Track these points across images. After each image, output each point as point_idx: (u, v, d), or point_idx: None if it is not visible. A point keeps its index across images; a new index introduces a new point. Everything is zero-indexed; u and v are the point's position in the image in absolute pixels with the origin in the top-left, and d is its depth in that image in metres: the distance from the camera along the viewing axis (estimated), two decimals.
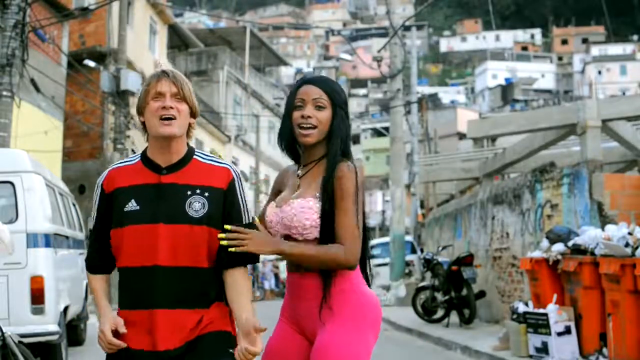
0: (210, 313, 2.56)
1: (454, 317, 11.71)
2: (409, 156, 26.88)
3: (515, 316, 8.21)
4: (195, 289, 2.53)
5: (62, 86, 18.42)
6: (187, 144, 2.68)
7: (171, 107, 2.56)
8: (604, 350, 7.06)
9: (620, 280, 6.57)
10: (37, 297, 6.59)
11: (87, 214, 15.85)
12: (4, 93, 10.81)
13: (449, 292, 11.42)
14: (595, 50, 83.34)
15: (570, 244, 7.61)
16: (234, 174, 2.64)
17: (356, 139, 55.58)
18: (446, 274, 11.51)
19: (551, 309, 7.53)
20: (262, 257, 2.70)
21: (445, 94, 75.67)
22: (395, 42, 17.33)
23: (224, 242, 2.52)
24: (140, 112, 2.64)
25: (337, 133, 2.68)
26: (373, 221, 42.84)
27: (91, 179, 20.82)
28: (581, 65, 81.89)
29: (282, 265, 28.68)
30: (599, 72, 75.15)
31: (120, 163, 2.72)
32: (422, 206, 25.56)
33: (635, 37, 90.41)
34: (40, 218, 6.86)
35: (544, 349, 7.54)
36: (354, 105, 72.23)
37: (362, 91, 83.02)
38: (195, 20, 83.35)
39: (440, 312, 11.86)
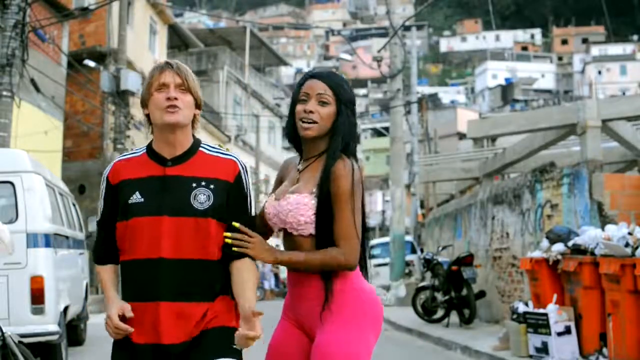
0: (216, 306, 2.54)
1: (454, 317, 11.70)
2: (409, 156, 26.88)
3: (515, 316, 8.21)
4: (199, 281, 2.52)
5: (62, 86, 18.42)
6: (193, 136, 2.65)
7: (175, 98, 2.54)
8: (604, 350, 7.06)
9: (620, 280, 6.57)
10: (37, 297, 6.59)
11: (87, 214, 15.85)
12: (4, 93, 10.81)
13: (449, 292, 11.42)
14: (595, 50, 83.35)
15: (570, 244, 7.61)
16: (240, 166, 2.63)
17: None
18: (446, 274, 11.50)
19: (551, 309, 7.52)
20: None
21: (445, 94, 75.69)
22: (395, 42, 17.33)
23: (228, 241, 2.52)
24: (144, 104, 2.62)
25: (339, 131, 2.65)
26: (373, 221, 42.84)
27: (91, 179, 20.84)
28: (581, 65, 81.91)
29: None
30: (599, 72, 75.15)
31: (126, 155, 2.70)
32: (422, 206, 25.56)
33: (635, 37, 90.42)
34: (40, 218, 6.86)
35: (544, 349, 7.54)
36: None
37: (362, 91, 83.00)
38: (195, 20, 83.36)
39: (440, 312, 11.86)
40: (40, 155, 12.80)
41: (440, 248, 13.35)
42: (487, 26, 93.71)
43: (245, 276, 2.54)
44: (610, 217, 8.24)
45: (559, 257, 7.68)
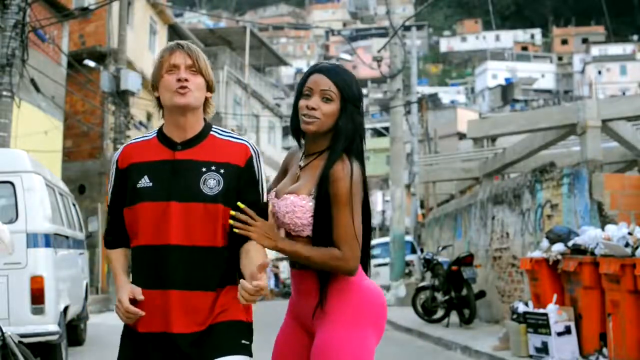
0: (224, 296, 2.48)
1: (454, 317, 11.70)
2: (409, 156, 26.88)
3: (515, 316, 8.21)
4: (208, 269, 2.46)
5: (62, 86, 18.43)
6: (205, 120, 2.59)
7: (186, 79, 2.47)
8: (604, 350, 7.06)
9: (620, 280, 6.57)
10: (37, 297, 6.59)
11: (87, 214, 15.85)
12: (4, 93, 10.81)
13: (449, 292, 11.42)
14: (595, 50, 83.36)
15: (570, 244, 7.61)
16: (252, 150, 2.56)
17: None
18: (446, 274, 11.50)
19: (551, 309, 7.52)
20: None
21: (445, 94, 75.72)
22: (395, 42, 17.33)
23: (231, 221, 2.46)
24: (154, 87, 2.55)
25: (342, 131, 2.58)
26: (373, 221, 42.80)
27: (91, 179, 20.87)
28: (581, 65, 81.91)
29: (282, 265, 28.70)
30: (599, 72, 75.15)
31: (137, 139, 2.64)
32: (422, 206, 25.55)
33: (635, 37, 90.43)
34: (40, 218, 6.86)
35: (544, 349, 7.54)
36: None
37: (362, 91, 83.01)
38: (195, 20, 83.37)
39: (440, 312, 11.86)
40: (40, 155, 12.81)
41: (440, 248, 13.34)
42: (487, 26, 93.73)
43: (253, 253, 2.46)
44: (610, 217, 8.24)
45: (559, 257, 7.68)
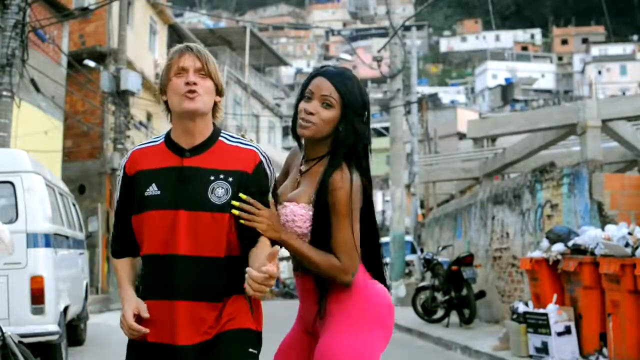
0: (231, 306, 2.43)
1: (454, 317, 11.70)
2: (409, 156, 26.88)
3: (515, 316, 8.21)
4: (215, 279, 2.40)
5: (62, 86, 18.43)
6: (214, 125, 2.52)
7: (194, 83, 2.41)
8: (604, 350, 7.06)
9: (620, 280, 6.56)
10: (37, 297, 6.59)
11: (87, 214, 15.85)
12: (4, 93, 10.81)
13: (449, 292, 11.42)
14: (595, 50, 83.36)
15: (570, 244, 7.61)
16: (261, 156, 2.49)
17: None
18: (446, 274, 11.50)
19: (551, 309, 7.52)
20: None
21: (445, 94, 75.70)
22: (395, 42, 17.32)
23: (235, 212, 2.39)
24: (162, 90, 2.49)
25: (342, 139, 2.52)
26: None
27: (91, 179, 20.87)
28: (581, 65, 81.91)
29: (282, 265, 28.68)
30: (599, 72, 75.15)
31: (144, 144, 2.58)
32: (422, 206, 25.56)
33: (635, 37, 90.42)
34: (40, 218, 6.86)
35: (544, 349, 7.54)
36: None
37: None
38: (195, 20, 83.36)
39: (440, 312, 11.85)
40: (40, 155, 12.81)
41: (440, 248, 13.35)
42: (487, 26, 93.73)
43: (260, 253, 2.36)
44: (610, 217, 8.23)
45: (559, 257, 7.68)
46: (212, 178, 2.42)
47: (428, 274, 13.36)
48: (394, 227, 17.21)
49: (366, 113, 2.58)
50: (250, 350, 2.43)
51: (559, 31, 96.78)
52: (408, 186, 25.54)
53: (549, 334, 7.43)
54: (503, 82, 71.94)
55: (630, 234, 6.81)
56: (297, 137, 2.64)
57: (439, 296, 11.76)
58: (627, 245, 6.66)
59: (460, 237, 13.95)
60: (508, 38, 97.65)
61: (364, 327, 2.51)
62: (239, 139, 2.53)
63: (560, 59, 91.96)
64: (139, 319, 2.41)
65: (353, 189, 2.48)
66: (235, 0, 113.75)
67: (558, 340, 7.38)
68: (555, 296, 7.68)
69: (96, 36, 21.71)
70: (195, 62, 2.44)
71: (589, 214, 8.55)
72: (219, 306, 2.42)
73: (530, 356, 7.76)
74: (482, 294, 11.24)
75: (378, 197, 44.53)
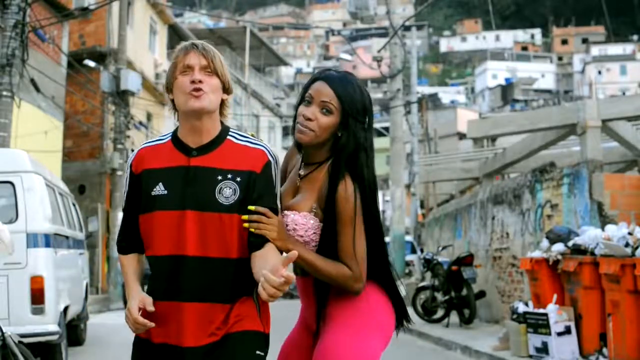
0: (239, 308, 2.40)
1: (454, 317, 11.70)
2: (409, 156, 26.88)
3: (515, 316, 8.20)
4: (223, 281, 2.37)
5: (62, 86, 18.43)
6: (222, 123, 2.48)
7: (200, 81, 2.37)
8: (604, 350, 7.06)
9: (620, 280, 6.56)
10: (37, 297, 6.59)
11: (87, 214, 15.86)
12: (4, 93, 10.81)
13: (449, 292, 11.42)
14: (595, 50, 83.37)
15: (570, 244, 7.61)
16: (270, 156, 2.45)
17: None
18: (446, 274, 11.50)
19: (551, 309, 7.52)
20: None
21: (445, 94, 75.72)
22: (395, 42, 17.33)
23: (245, 225, 2.36)
24: (168, 89, 2.46)
25: (343, 147, 2.49)
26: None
27: (91, 179, 20.86)
28: (581, 65, 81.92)
29: None
30: (599, 72, 75.16)
31: (151, 142, 2.55)
32: (422, 206, 25.57)
33: (635, 37, 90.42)
34: (40, 218, 6.86)
35: (544, 349, 7.54)
36: None
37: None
38: (195, 20, 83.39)
39: (440, 312, 11.86)
40: (40, 155, 12.81)
41: (440, 248, 13.34)
42: (487, 26, 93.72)
43: (270, 258, 2.34)
44: (610, 217, 8.23)
45: (559, 257, 7.68)
46: (219, 178, 2.38)
47: (428, 274, 13.36)
48: (394, 227, 17.22)
49: (367, 119, 2.54)
50: (258, 352, 2.41)
51: (559, 31, 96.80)
52: (408, 186, 25.54)
53: (549, 334, 7.43)
54: (503, 82, 72.00)
55: (630, 234, 6.81)
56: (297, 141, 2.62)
57: (439, 296, 11.76)
58: (627, 245, 6.66)
59: (460, 237, 13.95)
60: (508, 38, 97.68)
61: (366, 330, 2.51)
62: (247, 137, 2.49)
63: (560, 59, 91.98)
64: (145, 315, 2.39)
65: (357, 197, 2.46)
66: (235, 0, 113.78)
67: (558, 340, 7.38)
68: (555, 296, 7.68)
69: (96, 36, 21.71)
70: (200, 59, 2.40)
71: (589, 214, 8.55)
72: (227, 308, 2.39)
73: (530, 356, 7.76)
74: (482, 294, 11.24)
75: (378, 197, 44.61)
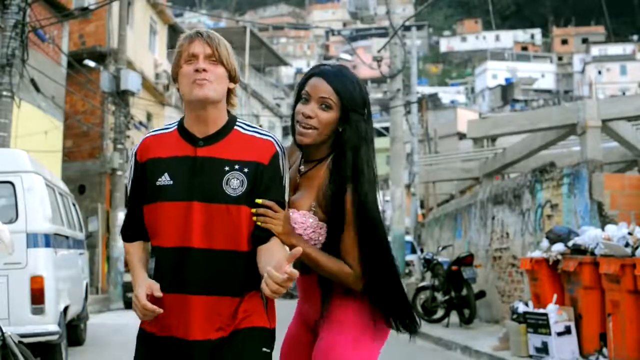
0: (247, 303, 2.36)
1: (454, 317, 11.70)
2: (409, 156, 26.88)
3: (515, 316, 8.21)
4: (231, 274, 2.33)
5: (62, 86, 18.43)
6: (229, 113, 2.45)
7: (204, 70, 2.33)
8: (604, 350, 7.06)
9: (620, 280, 6.57)
10: (37, 297, 6.59)
11: (87, 214, 15.86)
12: (4, 93, 10.81)
13: (449, 292, 11.42)
14: (595, 50, 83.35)
15: (570, 244, 7.61)
16: (277, 147, 2.41)
17: None
18: (446, 274, 11.51)
19: (551, 309, 7.52)
20: None
21: (445, 94, 75.69)
22: (395, 42, 17.32)
23: (254, 218, 2.33)
24: (174, 78, 2.42)
25: (347, 143, 2.46)
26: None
27: (91, 179, 20.87)
28: (581, 65, 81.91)
29: None
30: (599, 72, 75.15)
31: (157, 130, 2.51)
32: (422, 206, 25.57)
33: (635, 37, 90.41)
34: (40, 218, 6.86)
35: (544, 349, 7.54)
36: None
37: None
38: (195, 20, 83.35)
39: (440, 312, 11.86)
40: (40, 155, 12.81)
41: (440, 248, 13.35)
42: (487, 26, 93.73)
43: (276, 252, 2.31)
44: (610, 217, 8.24)
45: (559, 257, 7.68)
46: (226, 169, 2.34)
47: (428, 274, 13.36)
48: (394, 227, 17.20)
49: (366, 111, 2.52)
50: (264, 349, 2.39)
51: (559, 31, 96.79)
52: (408, 186, 25.53)
53: (549, 334, 7.43)
54: (503, 82, 71.99)
55: (630, 234, 6.81)
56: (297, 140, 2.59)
57: (439, 296, 11.76)
58: (627, 245, 6.66)
59: (460, 237, 13.95)
60: (508, 38, 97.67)
61: (366, 331, 2.52)
62: (255, 127, 2.45)
63: (560, 59, 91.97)
64: (152, 301, 2.34)
65: (359, 197, 2.46)
66: (235, 0, 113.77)
67: (558, 340, 7.38)
68: (555, 296, 7.68)
69: (96, 36, 21.71)
70: (205, 48, 2.36)
71: (589, 214, 8.55)
72: (237, 301, 2.35)
73: (530, 356, 7.76)
74: (482, 294, 11.25)
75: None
